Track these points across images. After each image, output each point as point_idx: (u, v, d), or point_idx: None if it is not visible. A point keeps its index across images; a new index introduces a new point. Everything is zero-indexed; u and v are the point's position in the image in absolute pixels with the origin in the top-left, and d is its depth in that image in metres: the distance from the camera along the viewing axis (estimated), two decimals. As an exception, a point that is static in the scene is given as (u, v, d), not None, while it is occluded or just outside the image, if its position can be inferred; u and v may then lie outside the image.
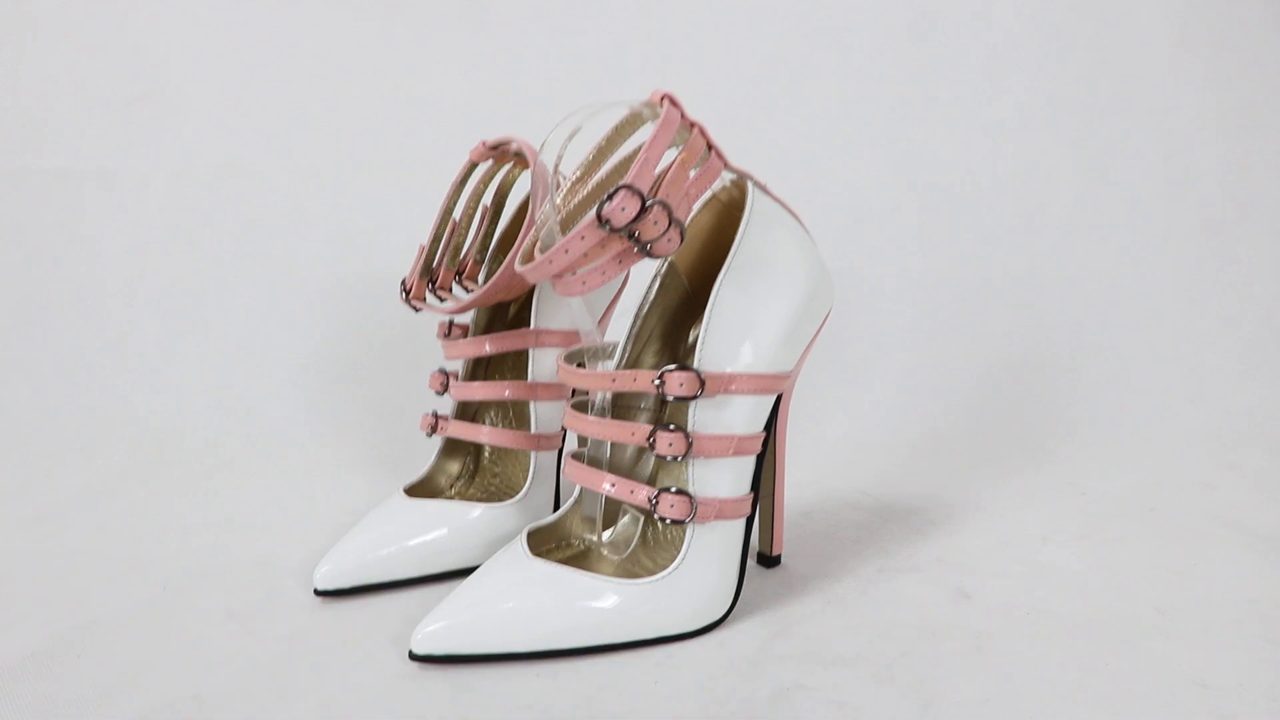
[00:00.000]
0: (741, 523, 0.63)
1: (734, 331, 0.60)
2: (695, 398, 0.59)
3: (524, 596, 0.59)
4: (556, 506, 0.76)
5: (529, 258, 0.60)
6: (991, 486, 0.90)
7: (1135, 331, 1.14)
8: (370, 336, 1.18)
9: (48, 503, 0.90)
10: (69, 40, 1.25)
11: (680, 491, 0.60)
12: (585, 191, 0.61)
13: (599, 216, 0.52)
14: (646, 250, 0.54)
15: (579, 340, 0.75)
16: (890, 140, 1.18)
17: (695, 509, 0.59)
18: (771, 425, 0.65)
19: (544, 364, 0.74)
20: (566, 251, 0.54)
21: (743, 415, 0.61)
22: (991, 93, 1.18)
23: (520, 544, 0.63)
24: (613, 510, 0.68)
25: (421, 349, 1.00)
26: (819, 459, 0.97)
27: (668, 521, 0.60)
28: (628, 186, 0.52)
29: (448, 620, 0.58)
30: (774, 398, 0.64)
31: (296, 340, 1.19)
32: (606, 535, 0.67)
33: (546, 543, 0.66)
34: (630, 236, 0.53)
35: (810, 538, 0.78)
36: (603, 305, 0.78)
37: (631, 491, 0.60)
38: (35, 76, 1.25)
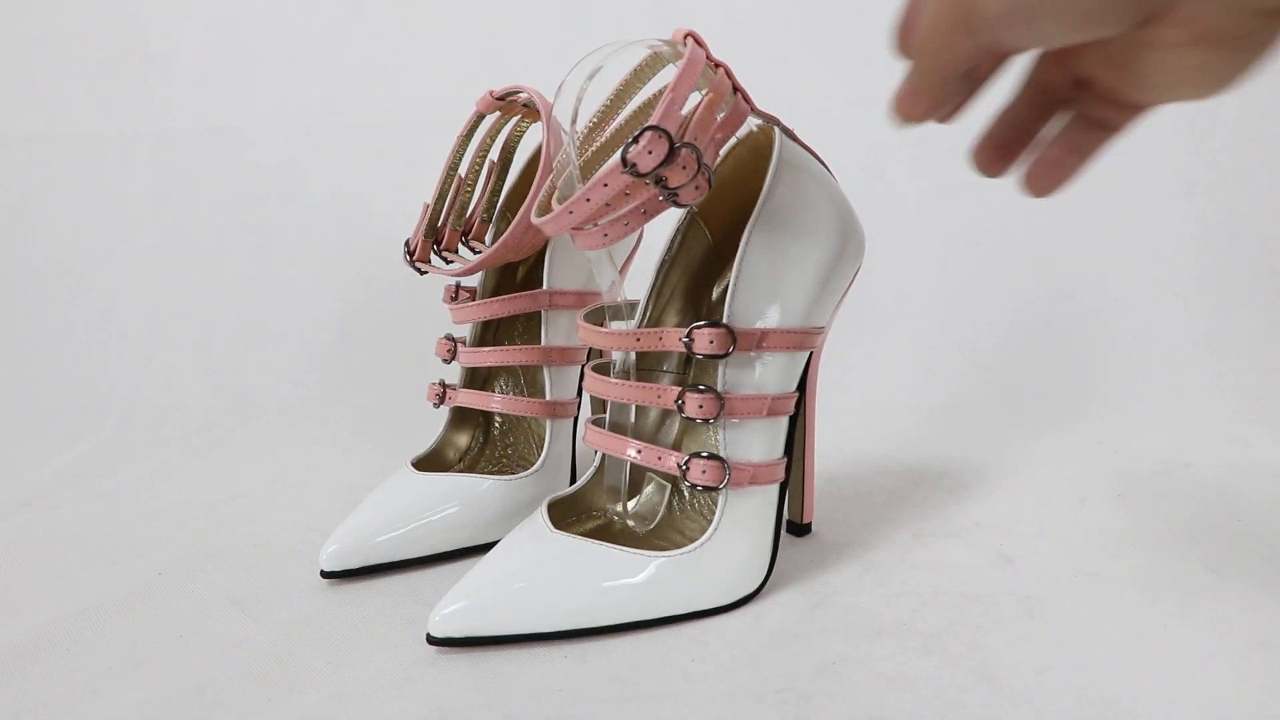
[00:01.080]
0: (775, 489, 0.60)
1: (764, 285, 0.57)
2: (726, 355, 0.55)
3: (547, 573, 0.55)
4: (573, 477, 0.72)
5: (546, 209, 0.56)
6: (1021, 447, 0.87)
7: (1159, 285, 1.11)
8: (367, 305, 1.15)
9: (32, 486, 0.86)
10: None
11: (712, 456, 0.56)
12: (605, 137, 0.56)
13: (624, 160, 0.48)
14: (673, 198, 0.50)
15: (594, 300, 0.71)
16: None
17: (729, 474, 0.56)
18: (804, 385, 0.61)
19: (557, 327, 0.70)
20: (588, 200, 0.50)
21: (775, 374, 0.58)
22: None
23: (541, 516, 0.59)
24: (636, 479, 0.64)
25: (421, 317, 0.97)
26: (841, 423, 0.94)
27: (698, 489, 0.56)
28: (655, 127, 0.48)
29: (467, 601, 0.54)
30: (806, 355, 0.60)
31: (290, 311, 1.16)
32: (631, 505, 0.64)
33: (568, 515, 0.62)
34: (656, 183, 0.49)
35: (839, 504, 0.75)
36: (619, 261, 0.74)
37: (659, 458, 0.57)
38: (10, 36, 1.20)
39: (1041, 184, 0.47)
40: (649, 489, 0.64)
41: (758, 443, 0.58)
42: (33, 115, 1.20)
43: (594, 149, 0.56)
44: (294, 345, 1.13)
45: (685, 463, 0.56)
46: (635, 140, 0.48)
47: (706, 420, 0.55)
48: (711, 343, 0.55)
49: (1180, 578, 0.61)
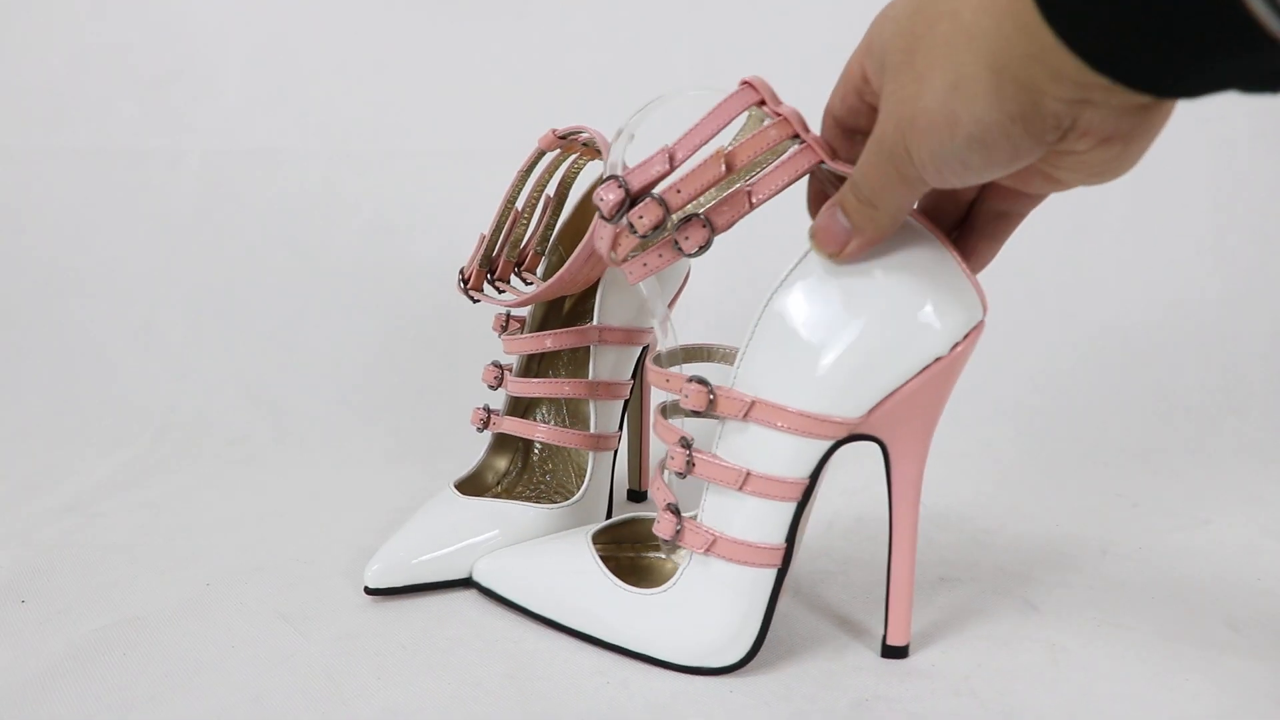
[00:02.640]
0: (762, 573, 0.55)
1: (778, 350, 0.53)
2: (700, 414, 0.55)
3: (562, 574, 0.62)
4: (610, 509, 0.74)
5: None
6: (1043, 496, 0.88)
7: (1179, 341, 1.13)
8: (405, 327, 1.17)
9: (74, 493, 0.88)
10: (100, 15, 1.23)
11: (671, 509, 0.57)
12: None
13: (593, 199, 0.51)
14: (677, 248, 0.51)
15: (642, 337, 0.73)
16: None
17: (680, 529, 0.56)
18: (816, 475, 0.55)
19: (605, 361, 0.72)
20: (601, 239, 0.53)
21: (766, 451, 0.54)
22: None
23: (585, 536, 0.64)
24: None
25: (458, 340, 0.99)
26: (868, 466, 0.95)
27: (664, 540, 0.57)
28: (614, 175, 0.50)
29: (503, 564, 0.65)
30: (820, 443, 0.54)
31: (329, 330, 1.18)
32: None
33: (619, 538, 0.66)
34: (630, 229, 0.50)
35: (864, 543, 0.76)
36: (667, 298, 0.76)
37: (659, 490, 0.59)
38: (65, 52, 1.23)
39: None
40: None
41: (738, 518, 0.55)
42: (84, 130, 1.22)
43: None
44: (331, 364, 1.15)
45: (667, 506, 0.57)
46: (601, 183, 0.51)
47: (679, 474, 0.55)
48: (686, 397, 0.54)
49: (1202, 633, 0.63)
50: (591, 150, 0.73)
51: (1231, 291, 1.15)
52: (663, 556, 0.66)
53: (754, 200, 0.51)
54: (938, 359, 0.52)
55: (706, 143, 0.51)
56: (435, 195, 1.17)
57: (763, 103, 0.51)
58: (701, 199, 0.52)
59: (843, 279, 0.52)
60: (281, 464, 0.98)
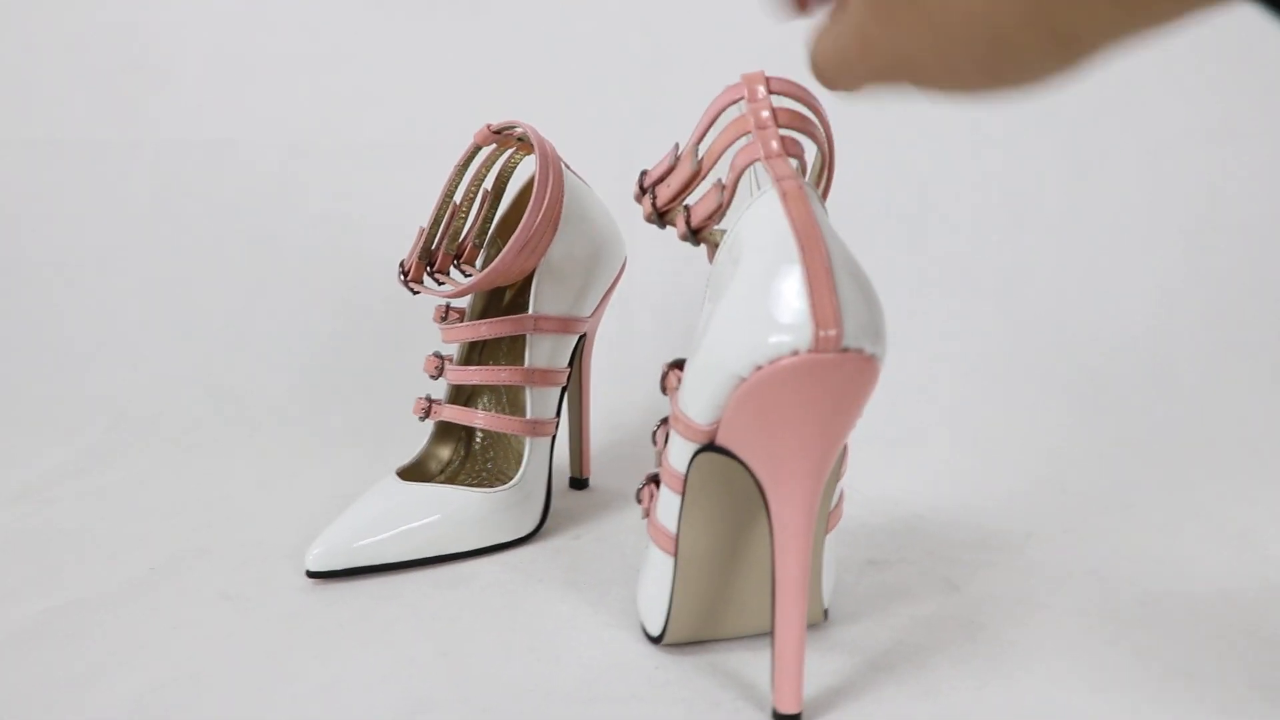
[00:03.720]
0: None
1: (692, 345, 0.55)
2: None
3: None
4: (549, 492, 0.76)
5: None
6: (975, 483, 0.91)
7: (1114, 326, 1.16)
8: (357, 319, 1.18)
9: (26, 480, 0.89)
10: (53, 5, 1.23)
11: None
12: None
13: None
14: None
15: (577, 325, 0.75)
16: (885, 160, 1.18)
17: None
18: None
19: (540, 349, 0.74)
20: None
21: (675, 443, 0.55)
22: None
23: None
24: None
25: (409, 333, 1.00)
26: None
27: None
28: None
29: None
30: (692, 446, 0.52)
31: (281, 321, 1.19)
32: None
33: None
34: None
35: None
36: (603, 286, 0.78)
37: None
38: (17, 43, 1.23)
39: None
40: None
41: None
42: (36, 119, 1.23)
43: None
44: (283, 354, 1.16)
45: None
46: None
47: None
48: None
49: (1113, 609, 0.65)
50: (526, 145, 0.75)
51: (1162, 282, 1.18)
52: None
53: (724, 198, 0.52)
54: (741, 379, 0.46)
55: (701, 139, 0.54)
56: (388, 188, 1.18)
57: (743, 99, 0.52)
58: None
59: (724, 282, 0.50)
60: (232, 452, 0.99)
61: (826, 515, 0.58)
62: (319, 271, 1.20)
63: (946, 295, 1.18)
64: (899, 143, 1.20)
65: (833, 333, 0.44)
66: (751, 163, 0.50)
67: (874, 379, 0.47)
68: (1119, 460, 0.97)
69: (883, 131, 1.17)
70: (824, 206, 0.53)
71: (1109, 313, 1.17)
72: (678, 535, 0.55)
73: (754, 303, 0.46)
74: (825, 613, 0.61)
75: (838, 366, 0.45)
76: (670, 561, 0.56)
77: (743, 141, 0.51)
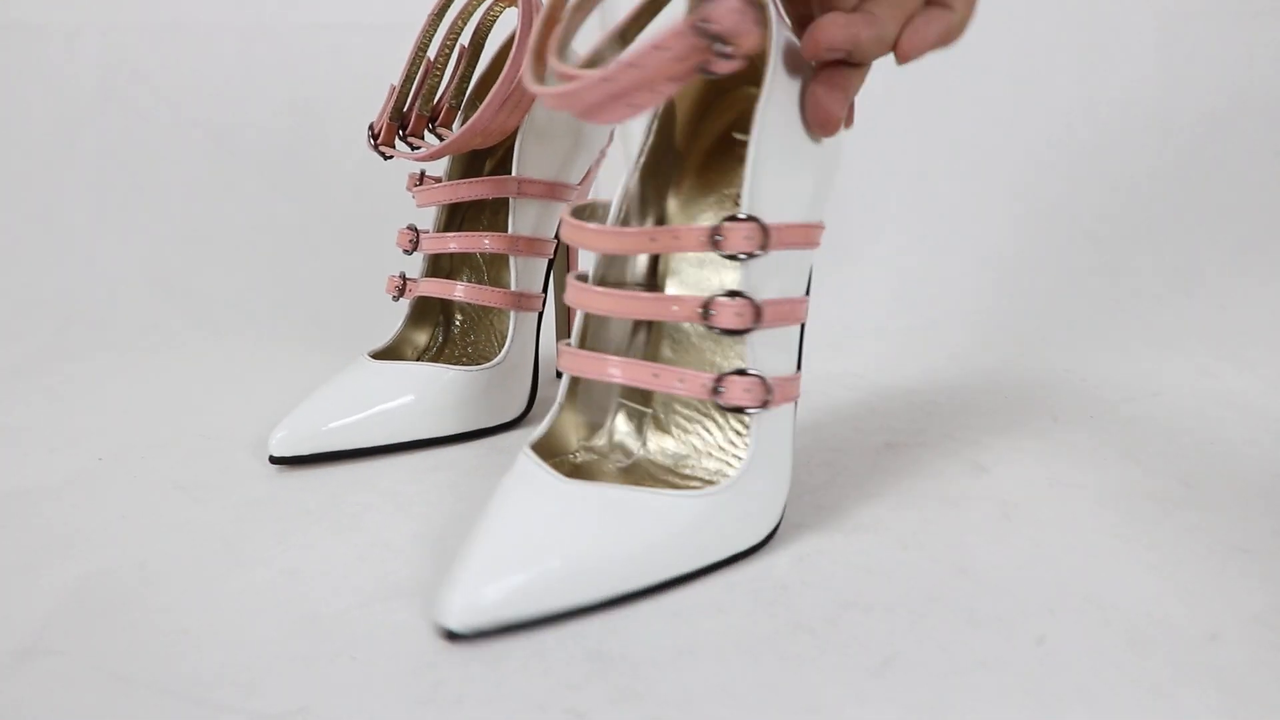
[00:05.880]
0: (792, 407, 0.53)
1: (779, 176, 0.48)
2: (756, 254, 0.47)
3: (574, 539, 0.46)
4: (536, 374, 0.70)
5: (540, 77, 0.46)
6: (990, 371, 0.85)
7: (1131, 221, 1.10)
8: (322, 209, 1.11)
9: (-34, 381, 0.82)
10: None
11: (749, 374, 0.48)
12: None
13: (698, 23, 0.40)
14: (722, 59, 0.41)
15: (564, 192, 0.68)
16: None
17: (772, 392, 0.49)
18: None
19: (525, 216, 0.67)
20: (634, 66, 0.41)
21: (791, 275, 0.51)
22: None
23: (537, 465, 0.50)
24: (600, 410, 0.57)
25: (378, 222, 0.93)
26: (806, 343, 0.91)
27: (755, 410, 0.49)
28: None
29: (479, 594, 0.43)
30: (813, 254, 0.52)
31: (242, 213, 1.11)
32: (601, 440, 0.57)
33: (546, 458, 0.51)
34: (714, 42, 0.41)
35: (807, 413, 0.72)
36: (592, 154, 0.71)
37: (680, 380, 0.48)
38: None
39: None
40: (618, 420, 0.57)
41: (783, 356, 0.51)
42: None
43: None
44: (245, 249, 1.09)
45: (716, 383, 0.48)
46: None
47: (741, 331, 0.47)
48: (748, 239, 0.46)
49: (1155, 489, 0.60)
50: (508, -4, 0.68)
51: (1179, 170, 1.12)
52: (594, 457, 0.56)
53: None
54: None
55: None
56: (353, 71, 1.10)
57: None
58: None
59: (792, 103, 0.49)
60: (193, 349, 0.92)
61: None
62: (279, 159, 1.13)
63: (956, 184, 1.12)
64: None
65: None
66: None
67: None
68: (1140, 351, 0.92)
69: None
70: None
71: (1127, 202, 1.11)
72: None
73: None
74: None
75: None
76: (793, 409, 0.53)
77: None
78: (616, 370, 0.49)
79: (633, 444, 0.56)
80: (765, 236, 0.47)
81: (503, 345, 0.68)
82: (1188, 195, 1.11)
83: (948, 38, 0.47)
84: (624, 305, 0.49)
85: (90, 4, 1.14)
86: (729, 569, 0.49)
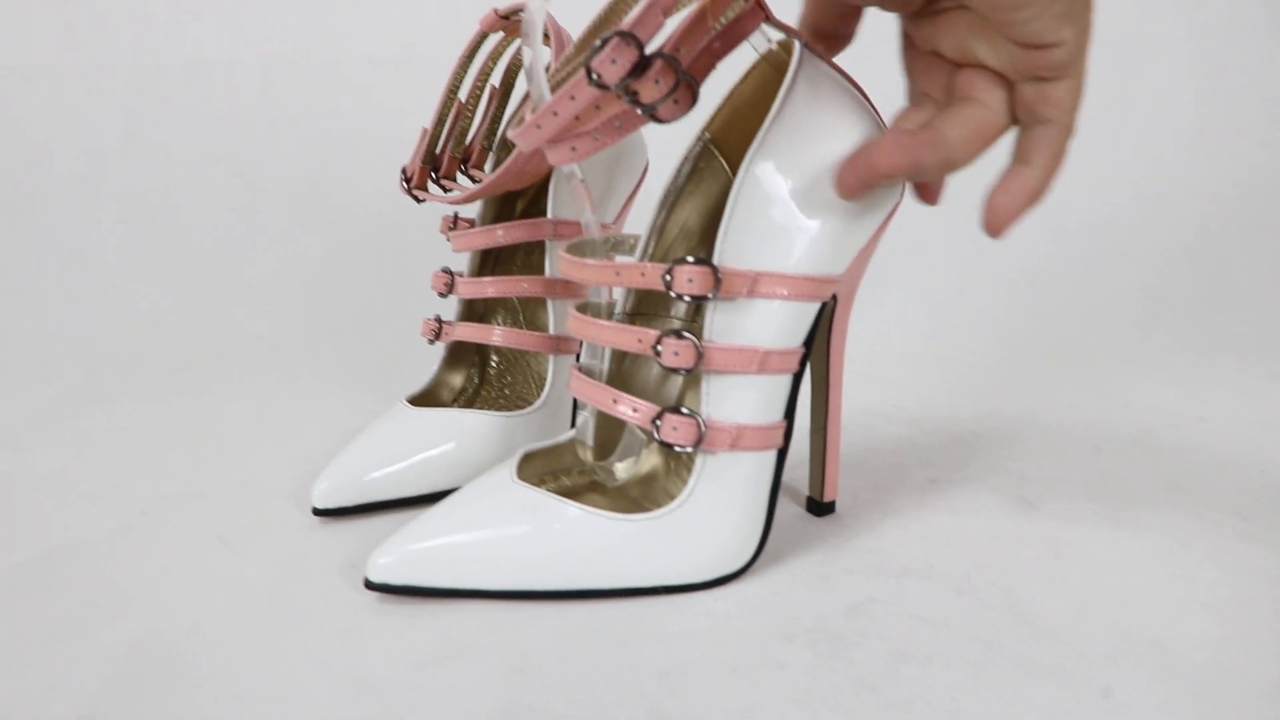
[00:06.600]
0: (770, 456, 0.53)
1: (765, 219, 0.49)
2: (707, 298, 0.49)
3: (496, 527, 0.51)
4: (574, 418, 0.69)
5: (519, 122, 0.50)
6: (1029, 397, 0.85)
7: (1165, 239, 1.09)
8: (352, 245, 1.11)
9: (2, 426, 0.82)
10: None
11: (686, 413, 0.50)
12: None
13: (588, 71, 0.42)
14: (650, 114, 0.44)
15: (601, 233, 0.68)
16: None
17: (704, 434, 0.50)
18: (812, 342, 0.53)
19: (562, 258, 0.67)
20: (555, 114, 0.44)
21: (771, 325, 0.50)
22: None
23: (509, 467, 0.54)
24: (621, 433, 0.58)
25: (408, 256, 0.93)
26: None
27: (687, 449, 0.50)
28: (622, 34, 0.41)
29: (402, 551, 0.50)
30: (815, 307, 0.52)
31: (271, 250, 1.11)
32: (623, 467, 0.58)
33: (543, 469, 0.57)
34: (628, 96, 0.43)
35: (848, 449, 0.72)
36: (624, 193, 0.71)
37: (634, 410, 0.51)
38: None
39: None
40: (649, 449, 0.58)
41: (748, 402, 0.51)
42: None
43: (575, 60, 0.51)
44: (274, 286, 1.09)
45: (658, 417, 0.50)
46: (600, 48, 0.42)
47: (682, 371, 0.49)
48: (690, 281, 0.48)
49: (1210, 524, 0.59)
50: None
51: (1213, 187, 1.11)
52: (598, 478, 0.58)
53: (717, 59, 0.47)
54: (894, 206, 0.54)
55: None
56: (378, 106, 1.10)
57: None
58: None
59: (805, 140, 0.50)
60: (224, 391, 0.92)
61: None
62: (307, 196, 1.13)
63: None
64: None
65: None
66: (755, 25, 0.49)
67: None
68: (1176, 372, 0.91)
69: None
70: None
71: (1161, 221, 1.10)
72: (790, 420, 0.53)
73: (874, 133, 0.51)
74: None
75: None
76: (773, 457, 0.53)
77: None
78: (581, 389, 0.54)
79: (623, 467, 0.58)
80: (715, 282, 0.48)
81: (541, 388, 0.67)
82: (1221, 209, 1.10)
83: (1034, 199, 0.47)
84: (604, 334, 0.52)
85: (113, 45, 1.15)
86: (785, 616, 0.48)
